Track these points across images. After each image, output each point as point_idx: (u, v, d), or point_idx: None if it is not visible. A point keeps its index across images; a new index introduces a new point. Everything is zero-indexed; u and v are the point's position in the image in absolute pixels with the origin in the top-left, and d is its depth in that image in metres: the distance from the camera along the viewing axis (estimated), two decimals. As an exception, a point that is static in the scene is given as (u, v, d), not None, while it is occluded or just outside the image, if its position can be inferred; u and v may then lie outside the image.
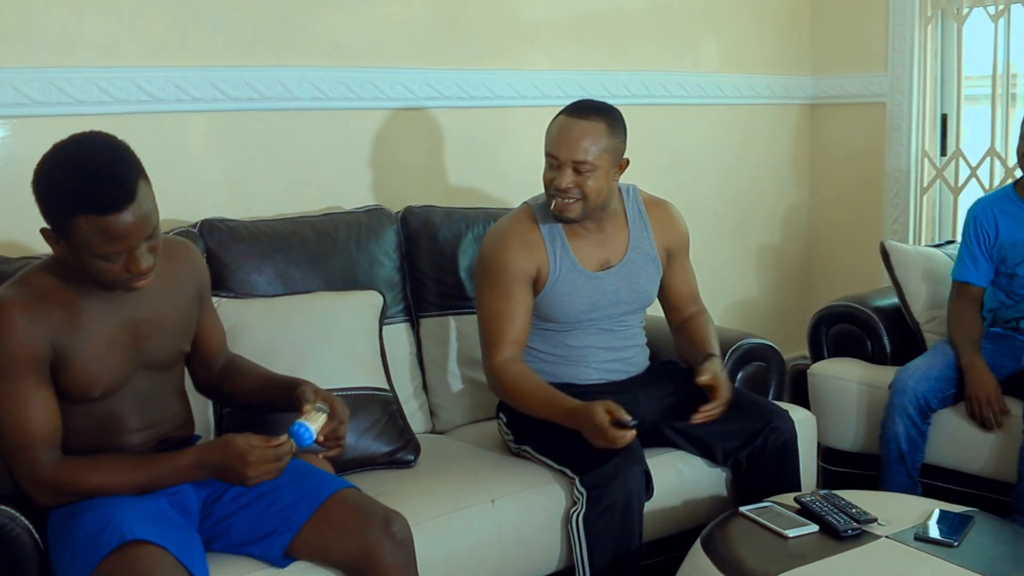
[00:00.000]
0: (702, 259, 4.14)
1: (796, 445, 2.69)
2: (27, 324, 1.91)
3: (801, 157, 4.64)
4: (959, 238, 3.35)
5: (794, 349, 4.21)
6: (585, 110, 2.61)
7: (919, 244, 4.17)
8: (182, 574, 1.85)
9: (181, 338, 2.18)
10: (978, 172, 4.09)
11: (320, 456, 2.19)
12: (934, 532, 2.21)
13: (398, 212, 3.11)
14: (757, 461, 2.65)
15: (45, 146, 1.91)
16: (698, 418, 2.58)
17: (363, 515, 2.07)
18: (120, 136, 1.94)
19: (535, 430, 2.63)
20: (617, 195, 2.76)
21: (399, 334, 2.99)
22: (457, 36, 3.48)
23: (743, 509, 2.36)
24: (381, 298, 2.82)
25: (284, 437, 1.99)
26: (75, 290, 1.98)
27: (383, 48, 3.31)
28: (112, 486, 1.96)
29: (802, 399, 3.45)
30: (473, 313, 2.87)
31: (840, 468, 3.39)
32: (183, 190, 2.89)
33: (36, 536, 1.96)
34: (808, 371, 3.47)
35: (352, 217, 3.00)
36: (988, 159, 4.06)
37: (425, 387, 3.04)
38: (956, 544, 2.16)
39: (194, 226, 2.75)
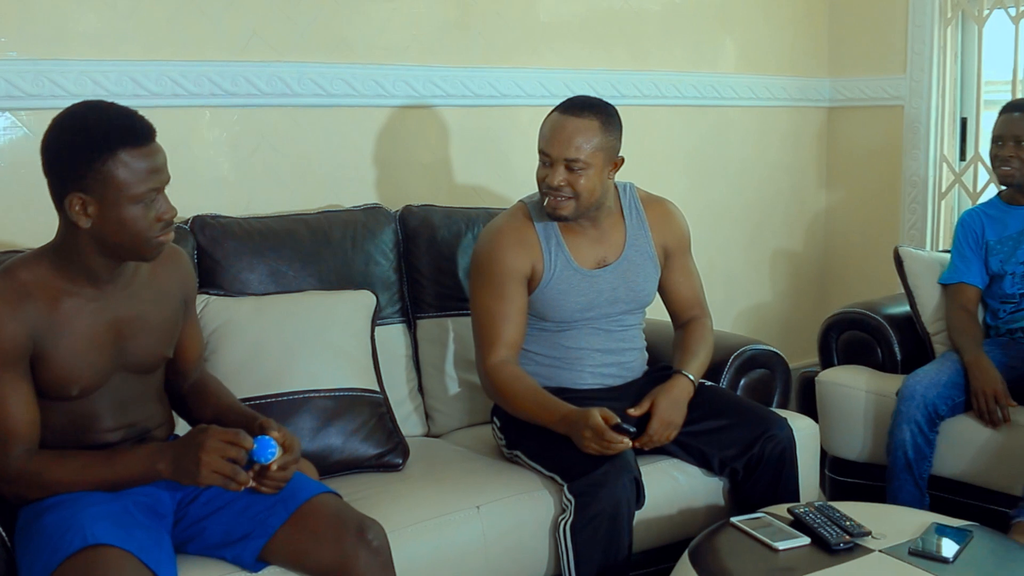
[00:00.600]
0: (716, 263, 4.11)
1: (795, 454, 2.62)
2: (8, 317, 1.88)
3: (818, 160, 4.56)
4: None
5: (808, 356, 4.13)
6: (579, 107, 2.56)
7: (936, 250, 4.08)
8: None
9: (164, 342, 2.14)
10: (997, 178, 4.00)
11: (260, 489, 2.04)
12: (930, 547, 2.14)
13: (396, 211, 3.06)
14: (754, 470, 2.59)
15: (37, 139, 1.90)
16: (641, 446, 2.54)
17: (338, 522, 2.02)
18: None
19: (527, 435, 2.58)
20: (613, 193, 2.71)
21: (395, 335, 2.94)
22: (463, 33, 3.43)
23: (734, 520, 2.31)
24: (374, 298, 2.77)
25: (249, 439, 1.94)
26: (61, 285, 1.95)
27: (386, 44, 3.26)
28: (75, 482, 1.93)
29: (811, 407, 3.38)
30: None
31: (847, 478, 3.32)
32: (180, 188, 2.82)
33: (2, 534, 1.94)
34: (816, 379, 3.40)
35: (349, 215, 2.95)
36: (1008, 165, 3.97)
37: (421, 389, 2.99)
38: (952, 560, 2.09)
39: (186, 222, 2.71)
